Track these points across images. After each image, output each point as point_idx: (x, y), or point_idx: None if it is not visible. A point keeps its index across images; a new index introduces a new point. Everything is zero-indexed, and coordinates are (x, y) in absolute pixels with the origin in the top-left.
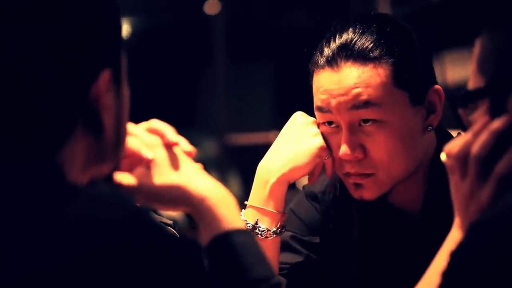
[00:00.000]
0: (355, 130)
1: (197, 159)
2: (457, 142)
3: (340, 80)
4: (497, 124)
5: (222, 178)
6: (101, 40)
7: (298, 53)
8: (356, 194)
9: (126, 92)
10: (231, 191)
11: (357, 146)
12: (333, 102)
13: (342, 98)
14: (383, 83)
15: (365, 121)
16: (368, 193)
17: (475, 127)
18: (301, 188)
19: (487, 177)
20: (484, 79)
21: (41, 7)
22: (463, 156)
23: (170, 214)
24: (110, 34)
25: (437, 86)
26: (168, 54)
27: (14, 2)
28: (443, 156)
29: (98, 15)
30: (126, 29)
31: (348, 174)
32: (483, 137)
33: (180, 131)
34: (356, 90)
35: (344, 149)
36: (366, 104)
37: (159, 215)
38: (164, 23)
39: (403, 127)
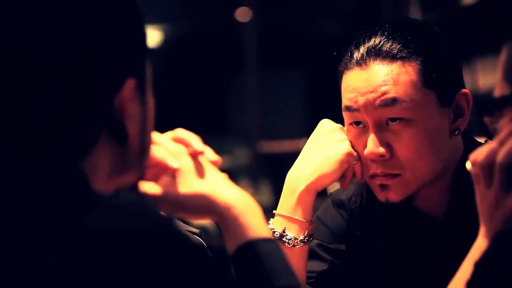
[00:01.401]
0: (382, 128)
1: (228, 167)
2: (483, 150)
3: (368, 78)
4: None
5: (254, 185)
6: (124, 49)
7: (329, 61)
8: (381, 196)
9: (150, 100)
10: (262, 199)
11: (384, 144)
12: (361, 100)
13: (370, 96)
14: (411, 81)
15: (393, 119)
16: (394, 195)
17: (501, 135)
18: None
19: None
20: (510, 87)
21: (65, 17)
22: (488, 165)
23: (201, 222)
24: (134, 42)
25: (465, 90)
26: (200, 62)
27: (39, 12)
28: (468, 165)
29: (122, 25)
30: (158, 36)
31: (374, 176)
32: (509, 146)
33: (211, 139)
34: (384, 88)
35: (370, 147)
36: (394, 101)
37: (187, 223)
38: (195, 30)
39: (431, 127)
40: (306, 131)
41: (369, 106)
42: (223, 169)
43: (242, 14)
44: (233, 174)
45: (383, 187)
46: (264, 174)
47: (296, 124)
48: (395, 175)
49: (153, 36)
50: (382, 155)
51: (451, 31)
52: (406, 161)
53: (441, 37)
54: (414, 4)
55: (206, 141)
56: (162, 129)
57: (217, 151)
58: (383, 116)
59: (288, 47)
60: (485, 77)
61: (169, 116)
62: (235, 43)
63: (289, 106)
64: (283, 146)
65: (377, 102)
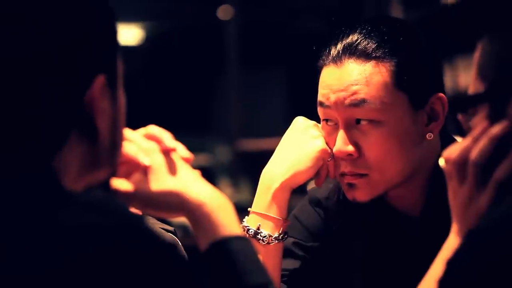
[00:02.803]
0: (351, 127)
1: (209, 165)
2: (456, 147)
3: (341, 76)
4: (496, 129)
5: (234, 184)
6: (94, 46)
7: (311, 59)
8: (349, 194)
9: (122, 97)
10: (243, 196)
11: (352, 143)
12: (332, 97)
13: (341, 94)
14: (383, 82)
15: (361, 120)
16: (361, 194)
17: (475, 132)
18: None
19: (485, 183)
20: (484, 84)
21: (34, 12)
22: (461, 162)
23: (180, 220)
24: (104, 39)
25: (441, 94)
26: (181, 59)
27: (6, 8)
28: (441, 162)
29: (91, 21)
30: (140, 34)
31: (343, 174)
32: (482, 143)
33: (192, 137)
34: (355, 87)
35: (338, 145)
36: (363, 102)
37: (162, 221)
38: (177, 28)
39: (400, 130)
40: (287, 129)
41: (339, 104)
42: (204, 167)
43: (224, 12)
44: (214, 172)
45: (351, 185)
46: (245, 172)
47: (277, 122)
48: (362, 175)
49: (135, 34)
50: (350, 154)
51: (433, 30)
52: (374, 162)
53: (420, 38)
54: (397, 2)
55: (187, 139)
56: (142, 127)
57: (198, 149)
58: (352, 115)
59: (270, 45)
60: (466, 76)
61: (150, 114)
62: (217, 41)
63: (271, 104)
64: (265, 144)
65: (347, 101)
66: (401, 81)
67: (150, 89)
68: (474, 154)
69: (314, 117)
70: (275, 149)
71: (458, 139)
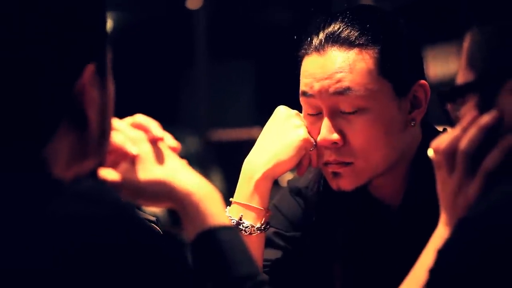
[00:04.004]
0: (336, 115)
1: (179, 155)
2: (445, 137)
3: (324, 64)
4: (485, 119)
5: (204, 174)
6: (85, 34)
7: (279, 50)
8: (333, 183)
9: (111, 86)
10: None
11: (337, 131)
12: (316, 86)
13: (325, 82)
14: (367, 69)
15: (347, 108)
16: (346, 183)
17: (464, 122)
18: (283, 185)
19: (474, 172)
20: (473, 74)
21: (23, 2)
22: (451, 152)
23: (152, 210)
24: (94, 27)
25: (423, 81)
26: (150, 50)
27: None
28: (430, 152)
29: (82, 9)
30: (108, 24)
31: (327, 163)
32: (472, 133)
33: (162, 127)
34: (339, 75)
35: (323, 133)
36: (347, 90)
37: (142, 211)
38: (145, 18)
39: (385, 117)
40: (256, 119)
41: (323, 92)
42: None
43: (193, 2)
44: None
45: (335, 174)
46: (215, 162)
47: (246, 113)
48: (347, 163)
49: None
50: (335, 142)
51: (403, 20)
52: (359, 150)
53: (400, 27)
54: None
55: None
56: (116, 117)
57: None
58: (336, 103)
59: (239, 35)
60: (435, 66)
61: (119, 105)
62: (186, 31)
63: (239, 95)
64: (233, 134)
65: (331, 89)
66: (385, 68)
67: (119, 80)
68: (463, 143)
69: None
70: (249, 140)
71: (439, 128)
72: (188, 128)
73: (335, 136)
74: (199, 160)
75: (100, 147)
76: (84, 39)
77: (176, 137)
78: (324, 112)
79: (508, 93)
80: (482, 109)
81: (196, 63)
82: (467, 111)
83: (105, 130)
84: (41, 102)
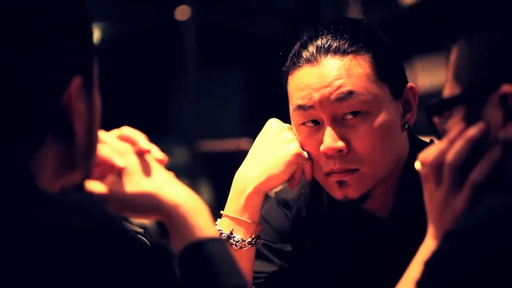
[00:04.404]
0: (338, 123)
1: (167, 166)
2: (432, 150)
3: (321, 73)
4: (472, 132)
5: (193, 185)
6: (71, 47)
7: (269, 60)
8: (339, 193)
9: (97, 99)
10: (202, 198)
11: (341, 139)
12: (316, 96)
13: (326, 91)
14: (365, 73)
15: (350, 113)
16: (352, 191)
17: (451, 134)
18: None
19: (461, 185)
20: (460, 87)
21: (10, 13)
22: (438, 164)
23: (141, 222)
24: (81, 40)
25: (411, 84)
26: (139, 60)
27: None
28: (417, 165)
29: (68, 22)
30: (96, 35)
31: (330, 173)
32: (458, 145)
33: (151, 138)
34: (339, 82)
35: (327, 142)
36: (350, 94)
37: (130, 223)
38: (134, 29)
39: (386, 121)
40: (245, 130)
41: (324, 101)
42: None
43: (182, 12)
44: (173, 173)
45: (341, 184)
46: (203, 173)
47: (235, 124)
48: (353, 170)
49: None
50: (340, 150)
51: (391, 31)
52: (364, 155)
53: (381, 33)
54: (354, 3)
55: None
56: (103, 129)
57: None
58: (339, 110)
59: (227, 46)
60: (423, 77)
61: (108, 116)
62: (175, 42)
63: (228, 105)
64: (222, 145)
65: (333, 96)
66: (381, 71)
67: (107, 91)
68: (450, 156)
69: (272, 117)
70: (239, 151)
71: (425, 139)
72: (177, 139)
73: (340, 143)
74: (187, 171)
75: (86, 160)
76: (71, 52)
77: (165, 148)
78: (326, 121)
79: (494, 106)
80: (469, 121)
81: (185, 74)
82: (454, 124)
83: (92, 142)
84: (27, 115)
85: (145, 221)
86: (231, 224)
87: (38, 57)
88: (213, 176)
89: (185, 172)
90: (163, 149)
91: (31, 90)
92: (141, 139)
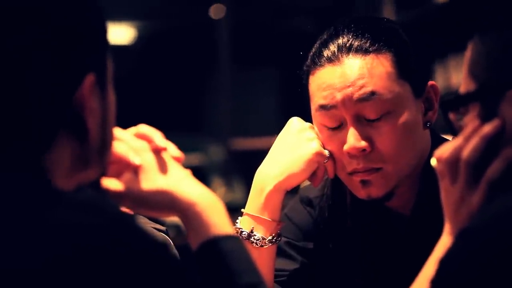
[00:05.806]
0: (361, 123)
1: (201, 165)
2: (448, 147)
3: (343, 73)
4: (488, 128)
5: (227, 183)
6: (84, 45)
7: (303, 58)
8: (363, 192)
9: (111, 96)
10: (236, 196)
11: (363, 138)
12: (338, 95)
13: (348, 90)
14: (387, 73)
15: (372, 114)
16: (376, 190)
17: (466, 131)
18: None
19: (477, 182)
20: (475, 83)
21: (23, 11)
22: (453, 161)
23: (173, 220)
24: (94, 38)
25: (433, 82)
26: (174, 59)
27: None
28: (433, 161)
29: (81, 20)
30: (132, 33)
31: (353, 173)
32: (474, 142)
33: (185, 136)
34: (361, 82)
35: (351, 141)
36: (372, 94)
37: (154, 220)
38: (169, 27)
39: (409, 119)
40: (280, 128)
41: (347, 101)
42: (196, 167)
43: (216, 11)
44: (207, 171)
45: (364, 183)
46: (238, 171)
47: (269, 121)
48: (376, 169)
49: (127, 33)
50: (363, 150)
51: (425, 30)
52: (387, 154)
53: (402, 31)
54: (388, 2)
55: (179, 139)
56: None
57: (191, 148)
58: (362, 110)
59: (262, 44)
60: (458, 75)
61: (142, 114)
62: (209, 40)
63: (262, 103)
64: (257, 143)
65: (355, 96)
66: (402, 70)
67: (142, 89)
68: (466, 153)
69: (306, 115)
70: (269, 150)
71: (448, 137)
72: (211, 137)
73: (363, 143)
74: (222, 170)
75: (101, 157)
76: (84, 50)
77: (199, 147)
78: (349, 121)
79: (510, 103)
80: (485, 118)
81: (219, 72)
82: (470, 121)
83: (106, 140)
84: (40, 111)
85: (177, 219)
86: (251, 222)
87: (51, 55)
88: (247, 174)
89: (219, 170)
90: (197, 148)
91: (43, 87)
92: (157, 136)
